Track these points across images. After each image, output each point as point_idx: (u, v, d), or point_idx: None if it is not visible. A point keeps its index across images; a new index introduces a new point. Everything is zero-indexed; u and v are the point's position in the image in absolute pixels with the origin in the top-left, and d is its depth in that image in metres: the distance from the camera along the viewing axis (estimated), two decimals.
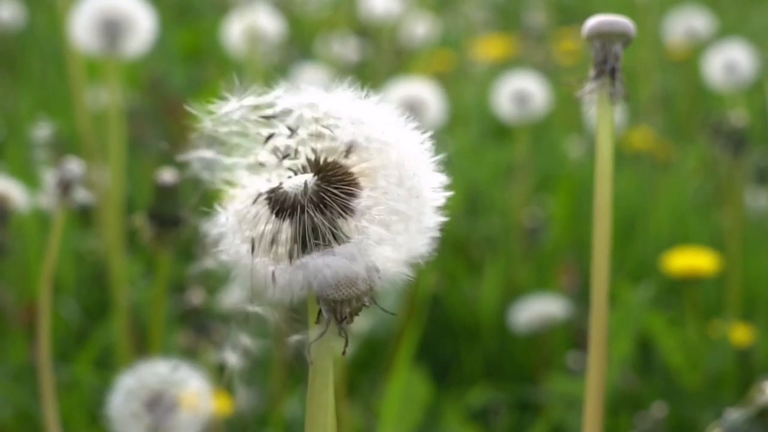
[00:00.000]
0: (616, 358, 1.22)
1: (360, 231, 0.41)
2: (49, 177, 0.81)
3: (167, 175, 0.92)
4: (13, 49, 2.38)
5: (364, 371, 1.33)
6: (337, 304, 0.41)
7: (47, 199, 0.81)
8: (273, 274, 0.41)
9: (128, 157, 1.77)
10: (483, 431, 1.23)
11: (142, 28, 1.29)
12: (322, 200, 0.42)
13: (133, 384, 0.84)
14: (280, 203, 0.42)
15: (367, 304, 0.42)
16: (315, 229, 0.41)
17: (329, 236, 0.41)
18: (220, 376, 0.98)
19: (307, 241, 0.41)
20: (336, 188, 0.42)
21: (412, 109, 1.54)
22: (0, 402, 1.19)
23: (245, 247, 0.42)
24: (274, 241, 0.42)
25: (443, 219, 0.43)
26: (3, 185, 0.99)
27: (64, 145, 1.61)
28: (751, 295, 1.45)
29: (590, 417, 0.53)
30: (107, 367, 1.27)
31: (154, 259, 1.19)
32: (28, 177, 1.31)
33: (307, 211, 0.41)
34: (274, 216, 0.42)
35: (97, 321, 1.39)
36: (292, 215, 0.42)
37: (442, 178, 0.43)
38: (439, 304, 1.45)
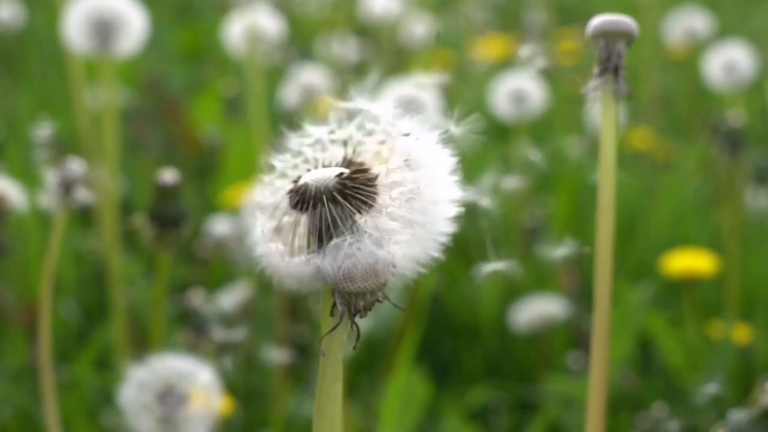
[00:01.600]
0: (616, 358, 1.22)
1: (377, 226, 0.42)
2: (50, 177, 0.81)
3: (167, 175, 0.92)
4: (13, 49, 2.38)
5: (364, 371, 1.33)
6: (352, 297, 0.41)
7: (48, 199, 0.81)
8: (290, 265, 0.42)
9: (128, 157, 1.78)
10: (483, 431, 1.23)
11: (135, 27, 1.28)
12: (342, 195, 0.42)
13: (144, 376, 0.84)
14: (300, 195, 0.43)
15: (380, 299, 0.42)
16: (333, 223, 0.42)
17: (346, 230, 0.42)
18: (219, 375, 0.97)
19: (324, 234, 0.42)
20: (355, 184, 0.42)
21: (412, 109, 1.54)
22: (0, 402, 1.19)
23: (264, 239, 0.43)
24: (292, 233, 0.43)
25: (454, 228, 0.43)
26: (1, 185, 0.99)
27: (63, 145, 1.61)
28: (751, 295, 1.45)
29: (592, 417, 0.53)
30: (107, 367, 1.27)
31: (154, 259, 1.19)
32: (28, 177, 1.31)
33: (327, 205, 0.42)
34: (293, 208, 0.43)
35: (96, 321, 1.39)
36: (310, 208, 0.42)
37: (458, 192, 0.43)
38: (440, 304, 1.45)
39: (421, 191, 0.42)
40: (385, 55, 2.32)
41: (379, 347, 1.35)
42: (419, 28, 2.40)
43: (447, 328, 1.45)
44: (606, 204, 0.53)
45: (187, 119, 1.95)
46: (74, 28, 1.27)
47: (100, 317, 1.38)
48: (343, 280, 0.41)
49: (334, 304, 0.42)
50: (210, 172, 1.80)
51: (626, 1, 2.63)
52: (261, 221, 0.43)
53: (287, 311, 1.23)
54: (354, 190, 0.42)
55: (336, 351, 0.43)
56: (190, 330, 1.03)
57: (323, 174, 0.43)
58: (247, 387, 1.28)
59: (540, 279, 1.50)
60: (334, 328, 0.42)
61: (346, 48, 2.27)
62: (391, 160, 0.43)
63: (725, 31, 2.41)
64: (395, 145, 0.43)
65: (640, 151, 1.87)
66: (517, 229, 1.56)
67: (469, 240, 1.60)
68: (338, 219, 0.42)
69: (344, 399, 1.13)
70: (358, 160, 0.44)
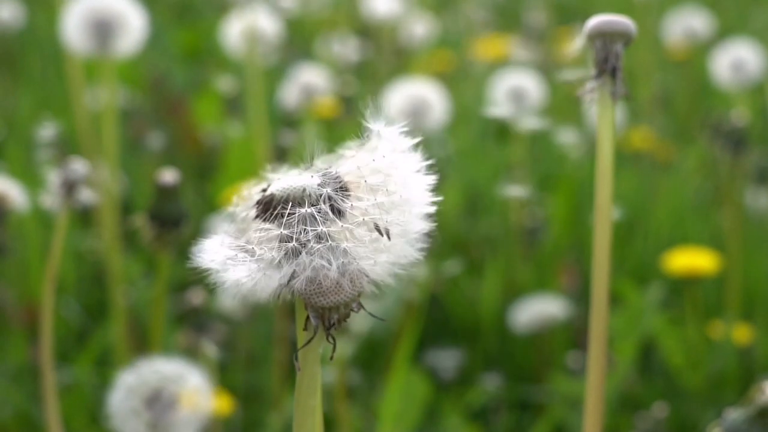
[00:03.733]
0: (622, 363, 1.22)
1: (347, 235, 0.40)
2: (53, 177, 0.81)
3: (168, 175, 0.92)
4: (13, 49, 2.38)
5: (364, 371, 1.33)
6: (325, 311, 0.40)
7: (51, 199, 0.81)
8: (257, 276, 0.40)
9: (129, 157, 1.78)
10: (483, 431, 1.23)
11: (134, 27, 1.28)
12: (309, 204, 0.41)
13: (133, 381, 0.84)
14: (264, 206, 0.41)
15: (355, 310, 0.40)
16: (301, 234, 0.40)
17: (315, 241, 0.40)
18: (219, 375, 0.97)
19: (291, 245, 0.40)
20: (325, 192, 0.41)
21: (416, 109, 1.54)
22: (0, 402, 1.20)
23: (234, 250, 0.41)
24: (261, 243, 0.41)
25: (433, 226, 0.42)
26: (1, 185, 0.99)
27: (63, 145, 1.61)
28: (751, 295, 1.45)
29: (590, 417, 0.53)
30: (107, 367, 1.27)
31: (154, 259, 1.19)
32: (29, 177, 1.31)
33: (294, 215, 0.40)
34: (261, 219, 0.41)
35: (97, 321, 1.39)
36: (277, 218, 0.41)
37: (432, 182, 0.42)
38: (439, 304, 1.45)
39: (395, 199, 0.41)
40: (386, 55, 2.32)
41: (379, 347, 1.35)
42: (419, 28, 2.40)
43: (447, 328, 1.45)
44: (603, 205, 0.53)
45: (190, 119, 1.96)
46: (73, 29, 1.27)
47: (101, 317, 1.39)
48: (313, 295, 0.40)
49: (308, 318, 0.40)
50: (210, 172, 1.80)
51: (625, 1, 2.63)
52: (227, 234, 0.42)
53: (287, 311, 1.23)
54: (323, 198, 0.41)
55: (312, 365, 0.42)
56: (190, 330, 1.03)
57: (290, 183, 0.41)
58: (247, 387, 1.28)
59: (540, 279, 1.50)
60: (308, 342, 0.41)
61: (346, 48, 2.27)
62: (363, 167, 0.41)
63: (725, 31, 2.41)
64: (369, 153, 0.42)
65: (640, 151, 1.87)
66: (517, 229, 1.56)
67: (469, 240, 1.60)
68: (307, 230, 0.40)
69: (344, 399, 1.13)
70: (330, 168, 0.42)
